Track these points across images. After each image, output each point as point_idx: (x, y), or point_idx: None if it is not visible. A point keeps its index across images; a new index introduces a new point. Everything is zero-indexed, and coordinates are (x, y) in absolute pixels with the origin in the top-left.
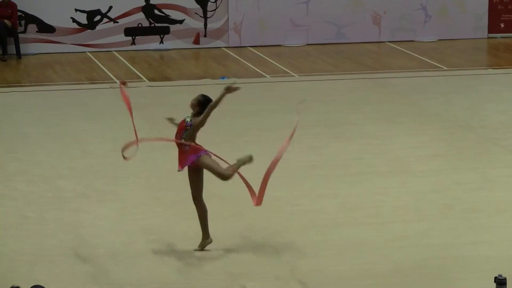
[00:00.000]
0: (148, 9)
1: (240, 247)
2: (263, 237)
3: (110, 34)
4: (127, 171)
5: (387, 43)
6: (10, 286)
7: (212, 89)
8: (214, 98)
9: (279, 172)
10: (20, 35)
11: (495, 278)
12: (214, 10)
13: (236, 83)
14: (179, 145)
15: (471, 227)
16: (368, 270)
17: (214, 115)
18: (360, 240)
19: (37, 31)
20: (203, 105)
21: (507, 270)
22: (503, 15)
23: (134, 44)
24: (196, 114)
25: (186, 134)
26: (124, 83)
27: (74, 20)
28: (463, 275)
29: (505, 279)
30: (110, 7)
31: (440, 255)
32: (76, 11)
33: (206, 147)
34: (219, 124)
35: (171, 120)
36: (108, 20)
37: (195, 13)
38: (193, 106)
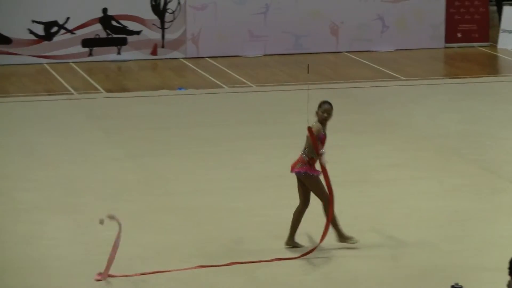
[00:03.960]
0: (105, 20)
1: (198, 258)
2: (221, 247)
3: (67, 46)
4: (84, 182)
5: (345, 53)
6: None
7: (170, 100)
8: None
9: (238, 182)
10: None
11: (452, 286)
12: (172, 21)
13: None
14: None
15: (429, 236)
16: (326, 279)
17: (180, 125)
18: (318, 250)
19: None
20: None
21: (464, 279)
22: (460, 25)
23: (92, 56)
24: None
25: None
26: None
27: (31, 32)
28: (420, 284)
29: (461, 287)
30: (68, 19)
31: (397, 264)
32: (33, 22)
33: (170, 157)
34: (177, 135)
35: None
36: (65, 31)
37: (153, 24)
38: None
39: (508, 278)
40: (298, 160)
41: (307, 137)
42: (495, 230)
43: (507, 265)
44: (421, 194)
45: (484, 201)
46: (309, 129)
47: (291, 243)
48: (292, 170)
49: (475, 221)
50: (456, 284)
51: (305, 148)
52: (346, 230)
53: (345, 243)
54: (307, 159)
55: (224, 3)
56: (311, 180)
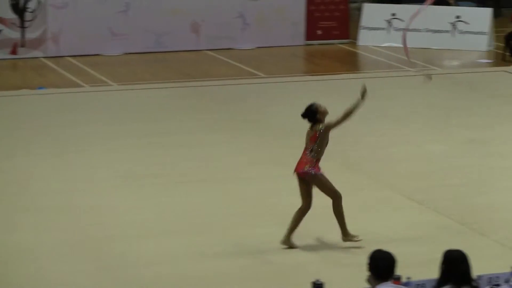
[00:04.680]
0: None
1: (70, 257)
2: (94, 244)
3: None
4: None
5: (206, 51)
6: None
7: (30, 100)
8: None
9: (103, 182)
10: None
11: (313, 283)
12: (32, 20)
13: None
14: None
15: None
16: (184, 276)
17: (41, 125)
18: (185, 248)
19: None
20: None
21: (324, 275)
22: (320, 22)
23: None
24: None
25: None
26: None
27: None
28: (280, 282)
29: (321, 284)
30: None
31: (256, 261)
32: None
33: (32, 157)
34: (39, 135)
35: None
36: None
37: (12, 23)
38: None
39: (367, 273)
40: (303, 161)
41: (311, 138)
42: (354, 226)
43: (366, 260)
44: (282, 191)
45: (345, 198)
46: (316, 132)
47: (288, 242)
48: (299, 172)
49: (334, 218)
50: (317, 280)
51: (311, 150)
52: (215, 228)
53: (349, 241)
54: (315, 160)
55: (85, 1)
56: (321, 180)
